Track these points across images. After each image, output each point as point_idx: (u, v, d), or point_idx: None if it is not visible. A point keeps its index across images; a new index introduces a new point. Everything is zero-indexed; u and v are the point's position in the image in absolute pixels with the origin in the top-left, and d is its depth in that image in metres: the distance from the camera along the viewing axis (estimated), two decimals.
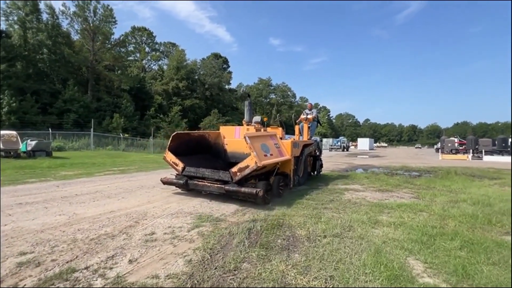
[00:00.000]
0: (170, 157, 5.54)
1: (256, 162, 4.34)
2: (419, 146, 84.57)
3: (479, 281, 2.24)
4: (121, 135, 24.28)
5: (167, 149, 5.65)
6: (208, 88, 47.88)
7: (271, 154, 4.97)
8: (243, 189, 4.52)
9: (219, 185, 4.82)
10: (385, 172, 10.72)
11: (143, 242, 2.95)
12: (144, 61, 52.29)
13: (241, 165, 4.53)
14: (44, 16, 30.23)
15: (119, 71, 38.74)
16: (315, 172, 9.23)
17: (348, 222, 3.71)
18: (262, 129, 6.78)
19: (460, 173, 10.31)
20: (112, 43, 37.03)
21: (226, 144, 6.58)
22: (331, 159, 18.40)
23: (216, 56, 56.13)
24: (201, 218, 3.83)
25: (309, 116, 8.45)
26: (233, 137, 6.71)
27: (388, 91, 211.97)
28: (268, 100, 69.20)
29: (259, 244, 2.93)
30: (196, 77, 49.30)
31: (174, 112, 37.44)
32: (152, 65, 54.72)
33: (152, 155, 19.60)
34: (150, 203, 4.71)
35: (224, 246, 2.89)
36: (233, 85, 66.27)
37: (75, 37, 34.84)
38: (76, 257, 2.56)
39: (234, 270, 2.37)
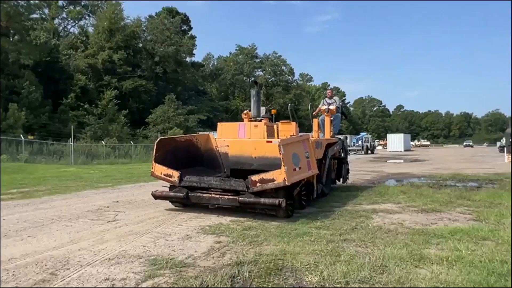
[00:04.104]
0: (160, 169, 6.36)
1: (285, 179, 5.16)
2: (470, 143, 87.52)
3: None
4: (23, 137, 23.49)
5: (153, 162, 6.50)
6: (159, 62, 47.36)
7: (300, 168, 5.85)
8: (262, 200, 5.40)
9: (230, 197, 5.70)
10: (429, 184, 11.04)
11: None
12: (56, 21, 50.95)
13: (265, 175, 5.36)
14: None
15: (16, 37, 37.44)
16: (341, 180, 9.80)
17: (380, 260, 3.77)
18: (274, 125, 7.61)
19: None
20: None
21: (227, 146, 7.31)
22: (350, 166, 18.67)
23: (171, 12, 55.66)
24: (156, 264, 3.75)
25: (331, 107, 9.27)
26: (236, 137, 7.39)
27: (429, 64, 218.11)
28: (253, 78, 69.61)
29: None
30: (141, 44, 48.63)
31: (107, 100, 36.74)
32: (70, 26, 53.49)
33: (74, 167, 19.12)
34: (75, 243, 4.57)
35: None
36: (198, 57, 66.19)
37: None
38: None
39: None
